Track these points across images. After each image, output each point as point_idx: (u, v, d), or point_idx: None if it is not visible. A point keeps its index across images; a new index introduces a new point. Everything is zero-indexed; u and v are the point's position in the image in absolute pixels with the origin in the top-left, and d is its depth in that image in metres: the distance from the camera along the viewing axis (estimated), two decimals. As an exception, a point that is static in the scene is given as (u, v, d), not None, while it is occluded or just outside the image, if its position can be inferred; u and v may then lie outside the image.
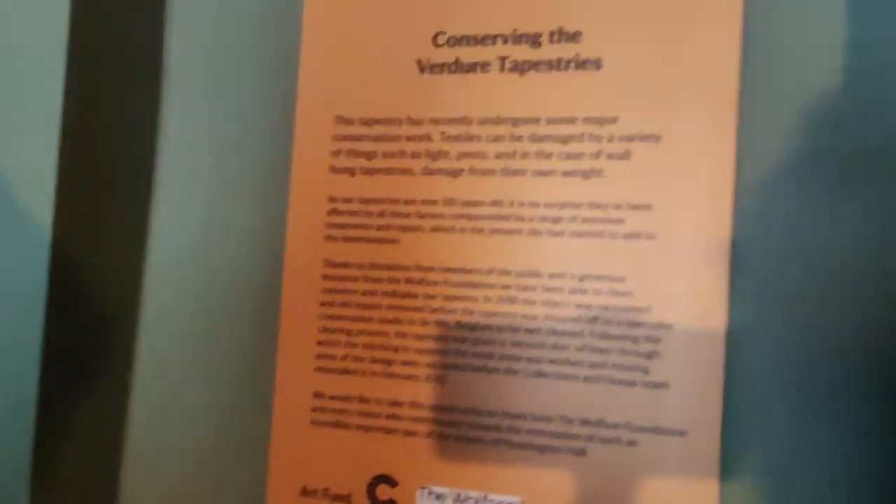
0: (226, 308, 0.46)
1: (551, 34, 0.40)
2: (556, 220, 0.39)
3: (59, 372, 0.43)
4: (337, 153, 0.43)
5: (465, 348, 0.40)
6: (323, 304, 0.43)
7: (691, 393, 0.37)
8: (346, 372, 0.42)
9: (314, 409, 0.43)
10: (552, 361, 0.39)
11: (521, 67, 0.40)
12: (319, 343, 0.43)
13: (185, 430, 0.46)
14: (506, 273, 0.40)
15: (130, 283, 0.46)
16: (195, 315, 0.46)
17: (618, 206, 0.38)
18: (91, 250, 0.44)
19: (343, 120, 0.43)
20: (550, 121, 0.39)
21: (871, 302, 0.36)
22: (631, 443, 0.38)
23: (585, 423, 0.39)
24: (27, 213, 0.42)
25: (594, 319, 0.38)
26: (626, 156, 0.38)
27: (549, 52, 0.40)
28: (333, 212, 0.43)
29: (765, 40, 0.38)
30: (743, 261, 0.38)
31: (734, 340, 0.38)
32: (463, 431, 0.40)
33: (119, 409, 0.46)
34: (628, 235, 0.38)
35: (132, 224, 0.46)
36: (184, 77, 0.47)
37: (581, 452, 0.39)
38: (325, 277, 0.43)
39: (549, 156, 0.39)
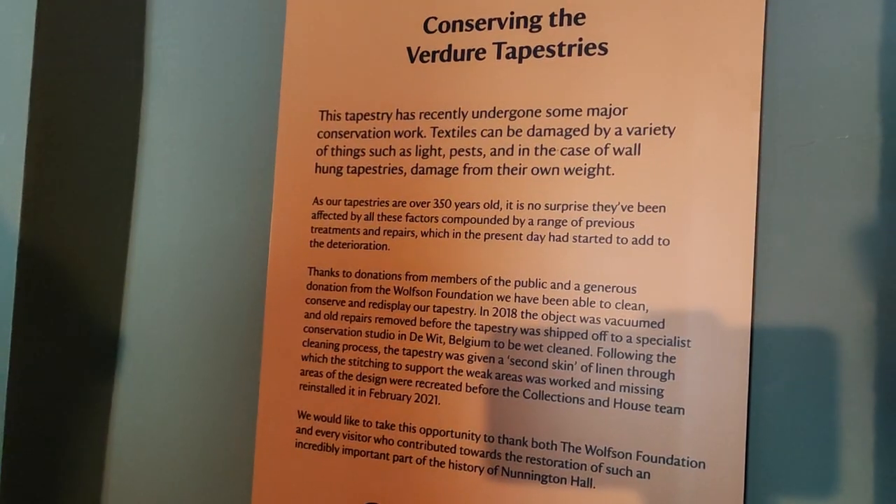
0: (209, 319, 0.42)
1: (552, 16, 0.36)
2: (559, 224, 0.35)
3: (32, 384, 0.40)
4: (322, 151, 0.39)
5: (459, 366, 0.36)
6: (307, 315, 0.39)
7: (711, 419, 0.33)
8: (332, 390, 0.39)
9: (299, 431, 0.39)
10: (555, 382, 0.35)
11: (520, 54, 0.36)
12: (304, 358, 0.39)
13: (165, 452, 0.43)
14: (504, 282, 0.36)
15: (110, 292, 0.43)
16: (177, 326, 0.43)
17: (627, 208, 0.34)
18: (67, 255, 0.41)
19: (328, 115, 0.39)
20: (552, 112, 0.35)
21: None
22: (643, 474, 0.34)
23: (592, 451, 0.34)
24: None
25: (602, 335, 0.34)
26: (635, 151, 0.34)
27: (549, 36, 0.36)
28: (318, 215, 0.39)
29: (791, 20, 0.33)
30: (769, 268, 0.33)
31: (760, 360, 0.33)
32: (458, 458, 0.37)
33: (99, 425, 0.43)
34: (639, 240, 0.34)
35: (113, 228, 0.43)
36: (166, 72, 0.44)
37: (587, 484, 0.34)
38: (310, 286, 0.39)
39: (550, 151, 0.35)
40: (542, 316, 0.35)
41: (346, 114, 0.39)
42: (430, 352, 0.37)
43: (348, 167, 0.39)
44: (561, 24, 0.35)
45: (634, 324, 0.34)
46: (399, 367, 0.38)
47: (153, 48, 0.44)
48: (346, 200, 0.39)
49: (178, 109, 0.43)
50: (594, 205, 0.34)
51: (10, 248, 0.38)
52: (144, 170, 0.44)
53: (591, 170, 0.35)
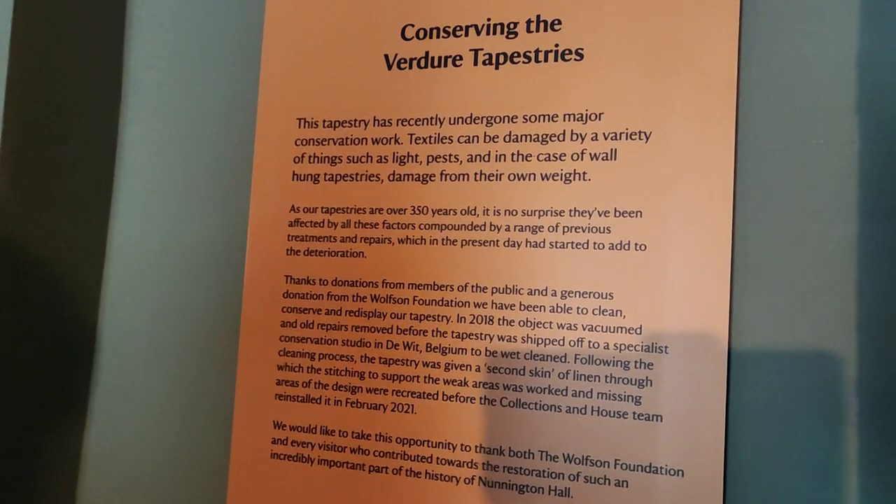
0: (186, 327, 0.42)
1: (528, 23, 0.36)
2: (536, 230, 0.35)
3: (5, 391, 0.39)
4: (299, 159, 0.39)
5: (436, 374, 0.36)
6: (283, 324, 0.39)
7: (689, 426, 0.32)
8: (308, 400, 0.38)
9: (274, 441, 0.39)
10: (532, 389, 0.34)
11: (496, 60, 0.36)
12: (280, 368, 0.39)
13: (140, 461, 0.42)
14: (481, 289, 0.35)
15: (87, 299, 0.43)
16: (154, 333, 0.42)
17: (604, 213, 0.34)
18: (43, 261, 0.41)
19: (305, 122, 0.39)
20: (528, 118, 0.35)
21: (896, 321, 0.31)
22: (621, 483, 0.33)
23: (570, 459, 0.34)
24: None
25: (579, 342, 0.34)
26: (612, 156, 0.34)
27: (525, 42, 0.36)
28: (295, 223, 0.39)
29: (765, 25, 0.33)
30: (746, 274, 0.33)
31: (738, 366, 0.33)
32: (435, 468, 0.36)
33: (73, 434, 0.43)
34: (616, 246, 0.34)
35: (90, 235, 0.43)
36: (144, 80, 0.44)
37: (565, 493, 0.34)
38: (286, 295, 0.39)
39: (526, 157, 0.35)
40: (520, 322, 0.35)
41: (324, 121, 0.39)
42: (407, 360, 0.36)
43: (325, 174, 0.38)
44: (537, 30, 0.35)
45: (612, 330, 0.34)
46: (375, 375, 0.37)
47: (132, 56, 0.44)
48: (322, 208, 0.38)
49: (156, 117, 0.43)
50: (571, 210, 0.34)
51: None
52: (122, 177, 0.43)
53: (568, 175, 0.34)
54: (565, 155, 0.35)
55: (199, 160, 0.42)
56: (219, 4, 0.43)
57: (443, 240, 0.36)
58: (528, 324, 0.35)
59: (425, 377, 0.36)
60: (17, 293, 0.39)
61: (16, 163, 0.38)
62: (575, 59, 0.35)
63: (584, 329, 0.34)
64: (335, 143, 0.38)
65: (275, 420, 0.39)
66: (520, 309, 0.35)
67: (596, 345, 0.34)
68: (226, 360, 0.40)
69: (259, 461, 0.39)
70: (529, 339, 0.35)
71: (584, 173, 0.34)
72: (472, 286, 0.36)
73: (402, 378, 0.37)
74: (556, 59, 0.35)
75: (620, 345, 0.33)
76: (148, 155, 0.43)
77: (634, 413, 0.33)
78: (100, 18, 0.43)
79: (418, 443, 0.36)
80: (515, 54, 0.36)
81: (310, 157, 0.39)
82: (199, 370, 0.42)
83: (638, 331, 0.33)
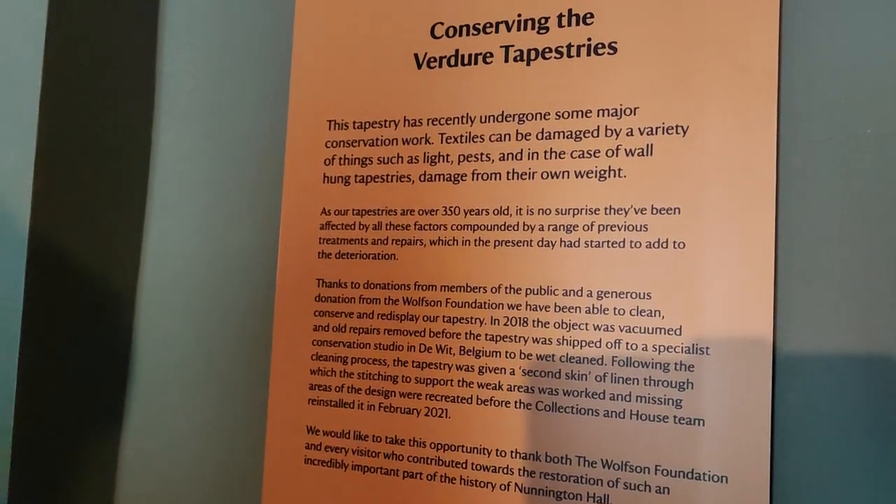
0: (219, 331, 0.42)
1: (560, 17, 0.35)
2: (570, 229, 0.34)
3: (44, 397, 0.39)
4: (330, 161, 0.39)
5: (470, 378, 0.35)
6: (316, 328, 0.38)
7: (733, 431, 0.31)
8: (341, 404, 0.38)
9: (307, 447, 0.38)
10: (568, 393, 0.34)
11: (527, 56, 0.35)
12: (312, 372, 0.38)
13: (175, 467, 0.42)
14: (515, 291, 0.35)
15: (122, 305, 0.43)
16: (188, 339, 0.42)
17: (640, 211, 0.33)
18: (79, 267, 0.41)
19: (335, 124, 0.39)
20: (561, 115, 0.34)
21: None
22: (662, 489, 0.32)
23: (608, 465, 0.33)
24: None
25: (616, 343, 0.33)
26: (647, 151, 0.33)
27: (557, 37, 0.35)
28: (326, 225, 0.38)
29: (807, 13, 0.32)
30: (791, 272, 0.32)
31: (784, 368, 0.31)
32: (469, 473, 0.35)
33: (109, 441, 0.43)
34: (654, 244, 0.33)
35: (125, 241, 0.43)
36: (177, 86, 0.44)
37: (604, 500, 0.33)
38: (318, 298, 0.38)
39: (560, 155, 0.34)
40: (555, 324, 0.34)
41: (354, 122, 0.38)
42: (440, 364, 0.36)
43: (356, 176, 0.38)
44: (569, 24, 0.35)
45: (650, 331, 0.32)
46: (408, 379, 0.36)
47: (164, 63, 0.44)
48: (353, 210, 0.38)
49: (189, 122, 0.43)
50: (606, 208, 0.33)
51: (20, 261, 0.38)
52: (156, 183, 0.44)
53: (603, 172, 0.33)
54: (599, 151, 0.34)
55: (232, 165, 0.42)
56: (250, 9, 0.43)
57: (475, 240, 0.35)
58: (564, 325, 0.34)
59: (459, 381, 0.35)
60: (54, 301, 0.39)
61: (51, 171, 0.38)
62: (608, 53, 0.34)
63: (622, 330, 0.33)
64: (365, 145, 0.38)
65: (308, 425, 0.38)
66: (555, 310, 0.34)
67: (634, 346, 0.33)
68: (259, 365, 0.40)
69: (293, 467, 0.38)
70: (565, 342, 0.34)
71: (619, 170, 0.33)
72: (506, 287, 0.35)
73: (435, 382, 0.36)
74: (588, 54, 0.34)
75: (659, 346, 0.32)
76: (181, 160, 0.43)
77: (675, 417, 0.32)
78: (132, 24, 0.43)
79: (453, 448, 0.36)
80: (547, 50, 0.35)
81: (340, 158, 0.38)
82: (232, 375, 0.41)
83: (678, 332, 0.32)
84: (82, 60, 0.40)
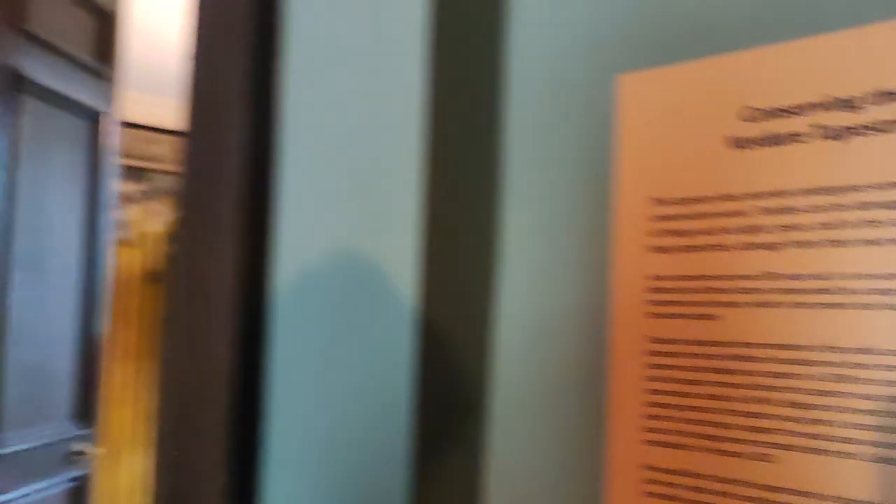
0: (559, 383, 0.49)
1: (870, 96, 0.37)
2: (887, 292, 0.36)
3: (428, 433, 0.50)
4: (653, 233, 0.45)
5: (790, 427, 0.39)
6: (649, 378, 0.44)
7: None
8: (675, 446, 0.43)
9: (646, 481, 0.44)
10: (893, 447, 0.36)
11: (840, 134, 0.38)
12: (648, 417, 0.44)
13: (533, 490, 0.51)
14: (834, 349, 0.38)
15: (483, 360, 0.53)
16: (535, 389, 0.51)
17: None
18: (452, 329, 0.52)
19: (658, 201, 0.45)
20: (876, 187, 0.37)
21: None
22: None
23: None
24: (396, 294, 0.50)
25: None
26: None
27: (868, 114, 0.37)
28: (654, 290, 0.44)
29: None
30: None
31: None
32: (799, 516, 0.39)
33: (475, 472, 0.53)
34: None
35: (483, 305, 0.53)
36: (519, 172, 0.53)
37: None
38: (650, 353, 0.44)
39: (876, 224, 0.37)
40: (878, 382, 0.36)
41: (674, 199, 0.44)
42: (763, 413, 0.40)
43: (678, 246, 0.44)
44: (880, 102, 0.37)
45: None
46: (735, 426, 0.41)
47: (510, 149, 0.53)
48: (678, 276, 0.43)
49: (530, 205, 0.52)
50: (926, 273, 0.35)
51: (410, 325, 0.49)
52: (508, 255, 0.53)
53: (921, 239, 0.35)
54: (915, 220, 0.36)
55: (567, 237, 0.50)
56: (586, 107, 0.50)
57: (794, 303, 0.39)
58: (889, 383, 0.36)
59: (782, 430, 0.39)
60: (434, 353, 0.49)
61: (434, 251, 0.49)
62: (921, 128, 0.36)
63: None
64: (686, 219, 0.43)
65: (645, 463, 0.44)
66: (876, 369, 0.36)
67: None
68: (591, 414, 0.47)
69: (632, 499, 0.44)
70: (892, 399, 0.36)
71: (937, 237, 0.35)
72: (826, 347, 0.38)
73: (761, 430, 0.40)
74: (901, 130, 0.36)
75: None
76: (525, 239, 0.52)
77: None
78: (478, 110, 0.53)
79: (779, 490, 0.39)
80: (858, 127, 0.38)
81: (663, 231, 0.44)
82: (574, 421, 0.49)
83: None
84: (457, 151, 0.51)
